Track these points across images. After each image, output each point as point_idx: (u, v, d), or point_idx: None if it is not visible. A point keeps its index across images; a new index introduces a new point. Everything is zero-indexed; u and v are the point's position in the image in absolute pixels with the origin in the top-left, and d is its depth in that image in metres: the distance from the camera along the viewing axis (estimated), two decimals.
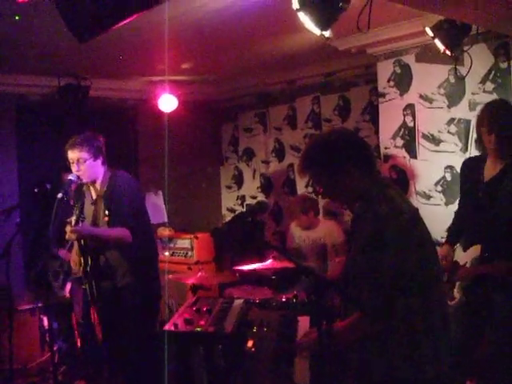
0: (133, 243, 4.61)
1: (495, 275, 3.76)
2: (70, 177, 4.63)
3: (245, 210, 8.33)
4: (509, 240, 3.73)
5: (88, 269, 4.65)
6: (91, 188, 4.84)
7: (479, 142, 4.00)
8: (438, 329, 2.63)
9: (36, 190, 6.05)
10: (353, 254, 2.73)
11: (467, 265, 3.94)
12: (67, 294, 5.90)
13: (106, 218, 4.55)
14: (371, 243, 2.55)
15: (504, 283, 3.72)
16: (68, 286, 5.94)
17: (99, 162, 4.71)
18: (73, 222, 4.61)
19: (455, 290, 4.00)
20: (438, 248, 3.86)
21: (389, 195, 2.66)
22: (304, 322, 3.51)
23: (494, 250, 3.77)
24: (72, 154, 4.65)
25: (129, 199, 4.68)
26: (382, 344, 2.59)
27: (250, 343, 3.16)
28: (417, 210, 2.75)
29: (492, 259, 3.78)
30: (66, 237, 4.68)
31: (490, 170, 3.93)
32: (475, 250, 3.89)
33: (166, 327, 3.40)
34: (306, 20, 3.77)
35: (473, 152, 5.03)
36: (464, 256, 4.01)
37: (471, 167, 4.11)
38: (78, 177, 4.65)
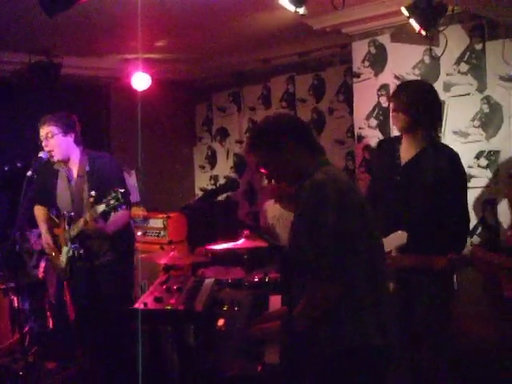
0: None
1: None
2: (41, 154, 4.57)
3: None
4: (429, 225, 3.74)
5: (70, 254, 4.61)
6: (66, 167, 4.76)
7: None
8: (383, 298, 2.68)
9: (6, 169, 5.96)
10: (293, 226, 2.79)
11: (392, 253, 3.78)
12: (41, 274, 5.84)
13: (92, 199, 4.47)
14: (309, 206, 2.63)
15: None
16: (42, 265, 5.88)
17: (70, 138, 4.64)
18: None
19: None
20: None
21: (326, 169, 2.73)
22: (276, 301, 3.50)
23: (418, 237, 3.71)
24: (41, 131, 4.60)
25: (119, 178, 4.70)
26: (328, 313, 2.60)
27: (220, 322, 3.14)
28: (354, 183, 2.85)
29: (417, 247, 3.71)
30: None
31: (406, 152, 3.92)
32: (399, 238, 3.80)
33: (136, 305, 3.37)
34: None
35: (447, 133, 5.05)
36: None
37: (386, 149, 4.09)
38: (50, 154, 4.59)
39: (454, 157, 3.84)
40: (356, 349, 2.59)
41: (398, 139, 4.01)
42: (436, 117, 3.88)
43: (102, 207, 4.23)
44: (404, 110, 3.80)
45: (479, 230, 4.91)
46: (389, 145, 4.11)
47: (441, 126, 4.02)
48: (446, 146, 3.97)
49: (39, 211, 5.01)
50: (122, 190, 4.18)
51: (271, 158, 2.83)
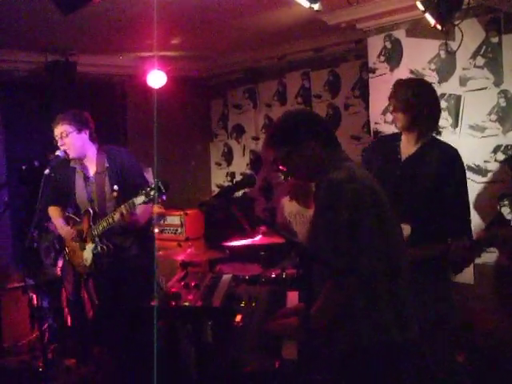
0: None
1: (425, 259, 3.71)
2: (58, 152, 4.60)
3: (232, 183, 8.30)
4: (432, 217, 3.73)
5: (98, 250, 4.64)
6: (83, 165, 4.79)
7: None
8: (402, 293, 2.68)
9: (24, 168, 6.01)
10: (312, 222, 2.84)
11: None
12: (59, 271, 5.88)
13: (115, 194, 4.50)
14: (325, 205, 2.65)
15: (426, 266, 3.67)
16: (60, 263, 5.92)
17: (84, 135, 4.66)
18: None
19: None
20: None
21: (346, 166, 2.74)
22: (293, 297, 3.50)
23: (421, 230, 3.71)
24: (56, 130, 4.63)
25: (139, 172, 4.78)
26: (346, 311, 2.61)
27: (238, 318, 3.15)
28: (375, 182, 2.82)
29: (420, 239, 3.69)
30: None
31: (406, 148, 3.92)
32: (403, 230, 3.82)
33: (154, 302, 3.39)
34: None
35: (463, 127, 5.03)
36: None
37: (387, 146, 4.08)
38: (66, 152, 4.62)
39: (453, 152, 3.86)
40: (374, 345, 2.59)
41: (397, 135, 4.01)
42: (435, 113, 3.88)
43: (141, 199, 4.22)
44: (402, 110, 3.81)
45: (495, 224, 4.88)
46: (389, 141, 4.10)
47: (437, 122, 4.00)
48: (444, 142, 3.98)
49: (54, 211, 5.03)
50: (159, 181, 4.13)
51: (290, 154, 2.83)
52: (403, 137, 3.95)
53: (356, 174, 2.71)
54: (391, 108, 3.90)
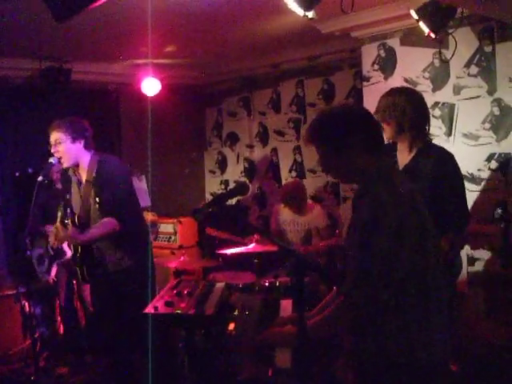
0: (125, 230, 4.56)
1: None
2: (51, 159, 4.59)
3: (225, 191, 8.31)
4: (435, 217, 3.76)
5: (77, 256, 4.61)
6: (77, 172, 4.77)
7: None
8: (433, 312, 2.58)
9: (17, 174, 6.00)
10: (349, 229, 2.70)
11: None
12: (54, 279, 5.86)
13: (97, 205, 4.52)
14: (365, 225, 2.50)
15: None
16: (54, 270, 5.90)
17: (79, 145, 4.62)
18: (58, 220, 4.58)
19: None
20: None
21: (390, 178, 2.62)
22: (286, 306, 3.49)
23: None
24: (51, 136, 4.61)
25: (118, 187, 4.63)
26: (376, 327, 2.55)
27: (231, 326, 3.14)
28: (416, 193, 2.67)
29: None
30: (51, 243, 4.68)
31: (402, 157, 3.95)
32: None
33: (146, 310, 3.37)
34: (289, 0, 3.73)
35: (457, 136, 5.05)
36: None
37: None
38: (59, 160, 4.61)
39: (446, 154, 3.91)
40: (399, 364, 2.53)
41: (395, 145, 4.02)
42: (419, 120, 3.89)
43: None
44: (385, 121, 3.85)
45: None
46: (387, 151, 4.11)
47: (427, 125, 4.01)
48: (438, 147, 4.01)
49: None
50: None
51: (330, 153, 2.67)
52: (398, 146, 3.97)
53: (400, 189, 2.58)
54: (379, 120, 3.88)
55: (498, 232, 3.98)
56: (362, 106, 2.70)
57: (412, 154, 3.89)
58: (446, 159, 3.88)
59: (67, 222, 4.67)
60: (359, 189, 2.73)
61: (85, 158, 4.70)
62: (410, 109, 3.83)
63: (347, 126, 2.63)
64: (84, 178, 4.71)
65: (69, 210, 4.68)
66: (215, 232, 6.21)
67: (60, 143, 4.57)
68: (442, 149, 3.97)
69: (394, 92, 3.99)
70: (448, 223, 3.72)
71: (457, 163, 3.92)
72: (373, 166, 2.63)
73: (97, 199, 4.52)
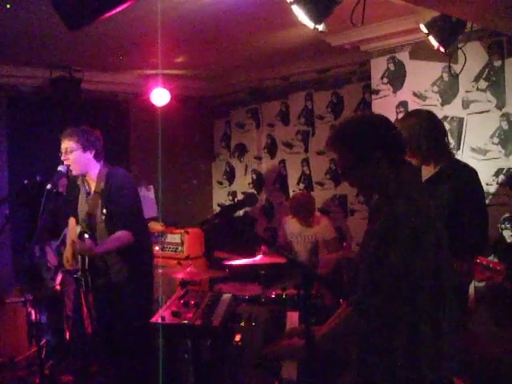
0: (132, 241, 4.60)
1: None
2: (60, 168, 4.60)
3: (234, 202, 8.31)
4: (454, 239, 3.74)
5: (86, 267, 4.62)
6: (86, 182, 4.79)
7: None
8: (444, 334, 2.55)
9: (26, 182, 6.01)
10: (365, 239, 2.68)
11: None
12: (58, 286, 5.86)
13: (104, 217, 4.53)
14: (382, 239, 2.47)
15: None
16: (59, 278, 5.90)
17: (89, 154, 4.64)
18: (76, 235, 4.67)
19: None
20: None
21: (409, 192, 2.58)
22: (293, 318, 3.49)
23: None
24: (62, 144, 4.62)
25: (129, 200, 4.65)
26: (384, 341, 2.53)
27: (237, 337, 3.14)
28: (433, 209, 2.63)
29: None
30: (65, 266, 4.75)
31: (426, 170, 3.95)
32: None
33: (153, 319, 3.38)
34: (299, 13, 3.75)
35: (465, 150, 5.04)
36: None
37: None
38: (68, 168, 4.62)
39: (469, 172, 3.91)
40: (407, 379, 2.50)
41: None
42: (434, 142, 3.86)
43: None
44: (408, 156, 3.78)
45: (497, 248, 4.87)
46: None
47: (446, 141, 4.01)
48: (463, 164, 4.00)
49: (72, 221, 5.05)
50: None
51: (353, 162, 2.61)
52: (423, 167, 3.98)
53: (419, 205, 2.53)
54: None
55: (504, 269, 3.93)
56: (387, 118, 2.63)
57: (436, 170, 3.90)
58: (468, 177, 3.87)
59: (86, 236, 4.69)
60: (377, 201, 2.71)
61: (94, 168, 4.71)
62: (422, 137, 3.81)
63: (374, 136, 2.59)
64: (93, 188, 4.72)
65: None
66: (225, 254, 6.20)
67: (71, 152, 4.58)
68: (465, 166, 3.95)
69: (403, 124, 3.88)
70: (465, 247, 3.69)
71: (477, 185, 3.91)
72: (394, 180, 2.60)
73: (104, 211, 4.53)
